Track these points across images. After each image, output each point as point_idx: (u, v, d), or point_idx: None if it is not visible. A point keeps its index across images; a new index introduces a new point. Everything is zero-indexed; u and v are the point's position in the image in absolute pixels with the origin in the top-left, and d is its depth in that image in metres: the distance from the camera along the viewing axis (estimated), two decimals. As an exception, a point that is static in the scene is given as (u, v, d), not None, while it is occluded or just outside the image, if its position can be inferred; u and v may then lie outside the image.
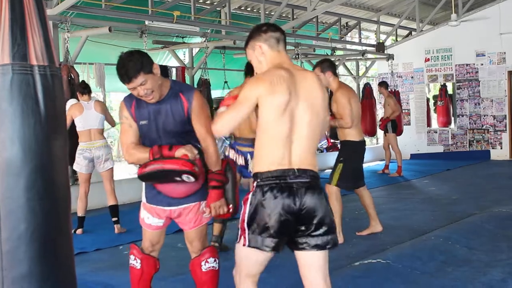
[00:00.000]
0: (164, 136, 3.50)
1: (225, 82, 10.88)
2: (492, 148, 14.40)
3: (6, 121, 1.86)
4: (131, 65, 3.31)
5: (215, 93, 11.41)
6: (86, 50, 9.12)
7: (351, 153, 6.11)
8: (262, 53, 3.02)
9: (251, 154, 4.86)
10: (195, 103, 3.50)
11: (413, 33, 16.17)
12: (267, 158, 2.90)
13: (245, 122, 5.24)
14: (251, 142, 4.77)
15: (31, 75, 1.90)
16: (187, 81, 11.00)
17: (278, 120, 2.86)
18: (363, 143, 6.23)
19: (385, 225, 6.65)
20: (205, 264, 3.68)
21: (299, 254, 2.97)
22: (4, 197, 1.85)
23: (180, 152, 3.37)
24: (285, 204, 2.84)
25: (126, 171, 13.01)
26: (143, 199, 3.67)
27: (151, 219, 3.66)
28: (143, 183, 3.63)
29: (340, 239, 5.65)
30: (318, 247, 2.93)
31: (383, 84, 11.93)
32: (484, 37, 14.11)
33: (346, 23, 15.85)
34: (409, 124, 15.20)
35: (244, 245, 2.92)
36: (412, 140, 15.12)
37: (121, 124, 3.54)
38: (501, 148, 14.31)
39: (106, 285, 4.89)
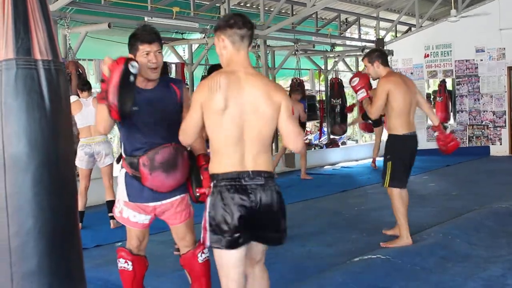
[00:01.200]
0: (159, 122, 3.48)
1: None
2: (492, 144, 14.40)
3: (11, 116, 1.86)
4: (154, 31, 3.48)
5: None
6: (85, 46, 9.11)
7: (395, 148, 5.62)
8: (224, 46, 3.05)
9: None
10: (184, 93, 3.60)
11: (412, 29, 16.17)
12: (221, 160, 2.98)
13: None
14: None
15: (35, 70, 1.90)
16: (187, 77, 10.99)
17: (219, 125, 2.94)
18: (408, 137, 5.63)
19: (384, 221, 6.66)
20: (201, 255, 3.71)
21: (249, 245, 3.08)
22: (12, 192, 1.85)
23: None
24: (243, 203, 2.93)
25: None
26: (125, 198, 3.58)
27: (137, 217, 3.61)
28: (121, 182, 3.57)
29: (409, 241, 5.43)
30: (269, 242, 3.13)
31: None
32: (483, 32, 14.10)
33: (346, 19, 15.85)
34: (409, 120, 15.18)
35: (205, 245, 3.03)
36: (412, 136, 15.09)
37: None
38: (501, 144, 14.31)
39: (106, 281, 4.89)
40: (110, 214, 6.95)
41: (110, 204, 6.95)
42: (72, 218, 2.00)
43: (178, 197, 3.62)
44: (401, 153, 5.62)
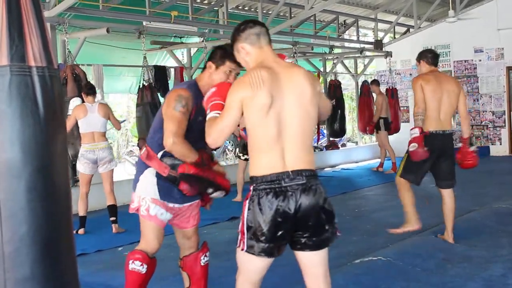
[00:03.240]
0: (200, 134, 3.41)
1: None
2: (492, 144, 14.40)
3: (5, 122, 1.86)
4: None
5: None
6: (84, 51, 9.12)
7: None
8: (247, 53, 2.95)
9: None
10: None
11: (411, 30, 16.18)
12: (260, 162, 2.84)
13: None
14: None
15: (29, 77, 1.90)
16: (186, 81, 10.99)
17: (264, 123, 2.79)
18: (434, 135, 5.59)
19: (385, 222, 6.66)
20: (204, 259, 3.77)
21: (298, 254, 2.94)
22: (5, 199, 1.85)
23: (220, 167, 3.48)
24: (280, 209, 2.79)
25: (125, 171, 13.03)
26: (154, 195, 3.55)
27: (164, 214, 3.60)
28: (151, 181, 3.55)
29: (417, 226, 5.59)
30: (315, 247, 2.90)
31: (374, 82, 12.13)
32: (482, 33, 14.11)
33: (344, 21, 15.86)
34: (408, 121, 15.19)
35: (242, 249, 2.89)
36: (411, 137, 15.09)
37: (174, 111, 3.37)
38: (501, 144, 14.31)
39: (107, 286, 4.89)
40: (112, 219, 6.95)
41: (112, 209, 6.95)
42: (66, 225, 2.00)
43: (195, 201, 3.73)
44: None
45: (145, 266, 3.60)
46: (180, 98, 3.40)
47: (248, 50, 2.94)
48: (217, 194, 3.51)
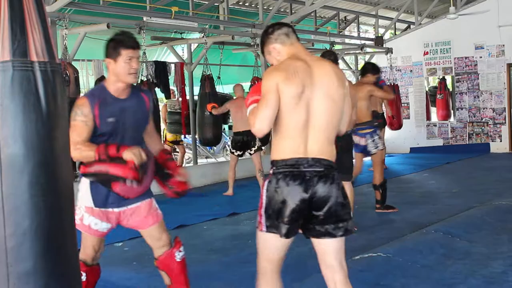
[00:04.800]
0: (130, 133, 3.52)
1: (218, 77, 10.84)
2: (492, 141, 14.40)
3: (8, 118, 1.86)
4: (135, 38, 3.53)
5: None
6: (84, 46, 9.11)
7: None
8: (278, 52, 3.06)
9: (370, 134, 6.97)
10: (151, 101, 3.67)
11: (411, 26, 16.17)
12: (283, 147, 2.94)
13: (360, 110, 6.78)
14: (368, 125, 6.95)
15: (31, 72, 1.90)
16: (186, 76, 10.98)
17: (294, 110, 2.89)
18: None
19: (385, 219, 6.66)
20: (178, 254, 3.72)
21: (314, 241, 3.05)
22: (8, 193, 1.85)
23: (127, 155, 3.32)
24: (297, 192, 2.89)
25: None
26: (89, 203, 3.50)
27: (99, 224, 3.54)
28: (85, 187, 3.51)
29: None
30: (329, 235, 2.99)
31: None
32: (482, 29, 14.10)
33: (345, 17, 15.84)
34: (408, 117, 15.21)
35: (261, 230, 3.00)
36: (412, 134, 15.13)
37: (74, 121, 3.40)
38: (501, 141, 14.31)
39: (106, 282, 4.88)
40: None
41: None
42: (69, 219, 2.01)
43: (145, 201, 3.62)
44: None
45: (84, 274, 3.56)
46: (77, 108, 3.44)
47: (279, 49, 3.06)
48: (127, 184, 3.38)
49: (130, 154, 3.31)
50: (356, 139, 6.88)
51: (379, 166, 7.23)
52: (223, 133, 15.30)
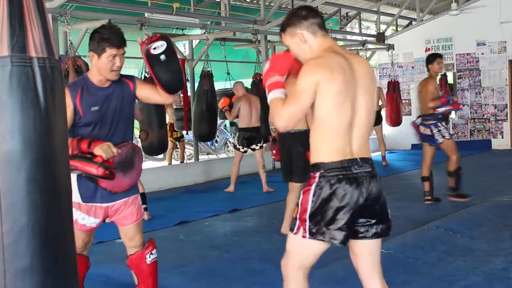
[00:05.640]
0: (117, 120, 3.48)
1: (228, 73, 10.83)
2: (493, 138, 14.38)
3: (5, 114, 1.85)
4: (122, 34, 3.45)
5: (216, 85, 11.38)
6: (86, 43, 9.06)
7: None
8: (305, 41, 2.88)
9: (434, 125, 7.38)
10: (137, 80, 3.61)
11: (413, 23, 16.14)
12: (328, 148, 2.79)
13: (424, 101, 7.46)
14: (433, 117, 7.39)
15: (30, 67, 1.89)
16: (187, 73, 10.98)
17: (340, 109, 2.75)
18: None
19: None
20: (149, 257, 3.67)
21: (357, 243, 2.91)
22: (5, 190, 1.85)
23: (97, 150, 3.28)
24: (354, 196, 2.76)
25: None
26: (76, 199, 3.45)
27: (86, 219, 3.52)
28: (72, 182, 3.48)
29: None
30: (377, 235, 2.89)
31: None
32: (484, 26, 14.07)
33: (346, 13, 15.81)
34: (410, 114, 15.18)
35: (304, 237, 2.81)
36: (413, 130, 15.09)
37: None
38: (502, 138, 14.30)
39: (108, 277, 4.90)
40: (144, 206, 6.89)
41: (142, 196, 6.88)
42: (66, 216, 2.00)
43: (131, 197, 3.60)
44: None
45: None
46: None
47: (307, 38, 2.88)
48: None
49: (99, 150, 3.27)
50: (421, 129, 7.54)
51: (452, 154, 7.47)
52: (224, 129, 15.33)
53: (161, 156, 13.47)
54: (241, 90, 9.27)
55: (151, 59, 3.43)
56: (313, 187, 2.80)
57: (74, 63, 8.28)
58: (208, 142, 14.44)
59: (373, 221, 2.86)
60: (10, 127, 1.85)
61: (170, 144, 12.41)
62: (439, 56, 7.72)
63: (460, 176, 7.58)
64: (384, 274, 4.50)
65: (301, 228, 2.81)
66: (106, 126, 3.46)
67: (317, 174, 2.80)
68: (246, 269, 4.95)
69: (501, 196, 7.46)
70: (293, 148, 5.87)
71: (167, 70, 3.47)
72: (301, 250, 2.89)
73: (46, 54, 1.92)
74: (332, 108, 2.74)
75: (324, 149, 2.81)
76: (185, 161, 12.70)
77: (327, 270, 4.58)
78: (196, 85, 10.80)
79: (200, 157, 12.85)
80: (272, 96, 2.81)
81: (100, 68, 3.43)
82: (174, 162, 12.92)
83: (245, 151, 9.27)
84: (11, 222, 1.84)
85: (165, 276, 4.79)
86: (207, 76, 10.12)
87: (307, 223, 2.79)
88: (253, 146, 9.17)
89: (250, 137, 9.06)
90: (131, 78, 3.64)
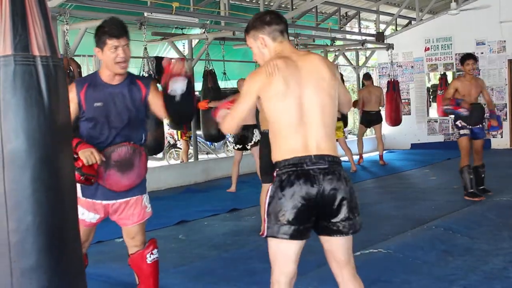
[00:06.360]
0: (119, 120, 3.45)
1: (224, 73, 10.82)
2: (493, 137, 14.38)
3: (9, 112, 1.85)
4: (123, 25, 3.41)
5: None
6: (85, 42, 9.08)
7: None
8: (265, 45, 3.02)
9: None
10: (152, 88, 3.55)
11: (412, 22, 16.13)
12: (281, 147, 2.89)
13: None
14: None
15: (33, 66, 1.89)
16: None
17: (282, 108, 2.85)
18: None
19: (385, 215, 6.66)
20: (150, 256, 3.66)
21: (324, 238, 2.97)
22: (11, 189, 1.85)
23: (80, 154, 3.27)
24: (303, 190, 2.80)
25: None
26: (77, 194, 3.47)
27: (86, 214, 3.53)
28: None
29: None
30: (340, 232, 2.91)
31: (365, 77, 12.47)
32: (484, 25, 14.07)
33: (346, 13, 15.81)
34: (409, 113, 15.19)
35: (262, 234, 2.91)
36: (413, 130, 15.11)
37: None
38: (502, 137, 14.30)
39: (108, 277, 4.90)
40: None
41: None
42: (72, 215, 2.00)
43: (133, 197, 3.58)
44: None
45: None
46: None
47: (267, 43, 3.02)
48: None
49: (82, 154, 3.26)
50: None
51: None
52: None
53: (160, 155, 13.48)
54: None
55: (166, 95, 3.40)
56: (271, 186, 2.90)
57: (67, 66, 8.24)
58: (208, 142, 14.45)
59: (331, 218, 2.88)
60: (14, 126, 1.85)
61: (184, 143, 12.41)
62: (468, 57, 7.84)
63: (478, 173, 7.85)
64: (384, 274, 4.52)
65: (263, 229, 2.91)
66: (110, 125, 3.45)
67: (275, 173, 2.90)
68: (246, 268, 4.95)
69: (501, 195, 7.47)
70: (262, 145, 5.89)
71: (179, 110, 3.47)
72: (274, 254, 2.94)
73: (49, 52, 1.93)
74: (274, 109, 2.87)
75: (277, 148, 2.92)
76: (187, 161, 12.70)
77: (327, 270, 4.57)
78: (197, 85, 10.79)
79: (200, 156, 12.85)
80: (221, 113, 3.09)
81: (106, 62, 3.42)
82: (173, 161, 12.93)
83: (240, 149, 9.21)
84: (17, 221, 1.84)
85: (164, 276, 4.79)
86: (209, 74, 10.09)
87: (266, 222, 2.89)
88: (246, 145, 9.06)
89: (243, 136, 9.03)
90: (147, 82, 3.59)
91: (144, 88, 3.53)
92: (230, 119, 2.98)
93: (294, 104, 2.85)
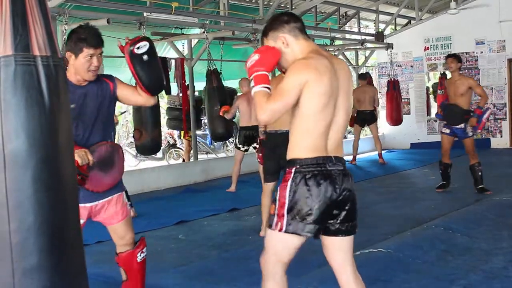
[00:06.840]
0: (94, 119, 3.46)
1: (220, 72, 10.80)
2: (492, 137, 14.39)
3: (10, 113, 1.85)
4: (99, 34, 3.45)
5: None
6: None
7: None
8: (287, 44, 2.95)
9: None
10: (117, 80, 3.59)
11: (412, 21, 16.13)
12: (306, 145, 2.88)
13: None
14: None
15: (34, 66, 1.89)
16: (186, 72, 10.96)
17: (323, 109, 2.83)
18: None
19: (385, 214, 6.65)
20: (140, 255, 3.71)
21: (329, 239, 3.00)
22: (12, 189, 1.85)
23: (75, 154, 3.21)
24: (328, 191, 2.85)
25: (126, 163, 13.02)
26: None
27: None
28: None
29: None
30: (346, 232, 2.98)
31: (361, 77, 12.39)
32: (483, 25, 14.07)
33: (345, 12, 15.81)
34: (409, 113, 15.19)
35: (280, 230, 2.89)
36: (412, 129, 15.12)
37: None
38: (501, 137, 14.31)
39: (107, 277, 4.90)
40: (129, 203, 6.90)
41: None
42: (73, 215, 2.00)
43: (114, 195, 3.60)
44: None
45: None
46: None
47: (289, 41, 2.95)
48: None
49: (76, 155, 3.24)
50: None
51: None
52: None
53: (160, 155, 13.47)
54: (245, 87, 9.19)
55: (134, 59, 3.45)
56: (289, 182, 2.88)
57: (64, 66, 8.23)
58: (207, 142, 14.45)
59: (342, 219, 2.94)
60: (15, 126, 1.85)
61: (186, 143, 12.41)
62: (447, 57, 8.23)
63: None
64: (384, 273, 4.52)
65: (279, 223, 2.89)
66: (84, 125, 3.45)
67: (293, 170, 2.89)
68: (246, 268, 4.95)
69: (500, 195, 7.47)
70: (283, 148, 5.79)
71: (150, 71, 3.50)
72: (279, 246, 2.96)
73: (49, 52, 1.92)
74: (316, 108, 2.82)
75: (302, 145, 2.89)
76: (189, 161, 12.70)
77: (327, 270, 4.57)
78: (196, 84, 10.79)
79: (199, 156, 12.84)
80: (257, 89, 2.86)
81: (78, 68, 3.42)
82: (173, 161, 12.92)
83: (246, 150, 9.22)
84: (18, 221, 1.84)
85: (164, 276, 4.80)
86: (213, 74, 10.03)
87: (285, 217, 2.87)
88: (255, 144, 9.09)
89: (250, 136, 9.00)
90: (111, 77, 3.63)
91: (111, 82, 3.56)
92: (273, 113, 2.79)
93: (332, 105, 2.86)
